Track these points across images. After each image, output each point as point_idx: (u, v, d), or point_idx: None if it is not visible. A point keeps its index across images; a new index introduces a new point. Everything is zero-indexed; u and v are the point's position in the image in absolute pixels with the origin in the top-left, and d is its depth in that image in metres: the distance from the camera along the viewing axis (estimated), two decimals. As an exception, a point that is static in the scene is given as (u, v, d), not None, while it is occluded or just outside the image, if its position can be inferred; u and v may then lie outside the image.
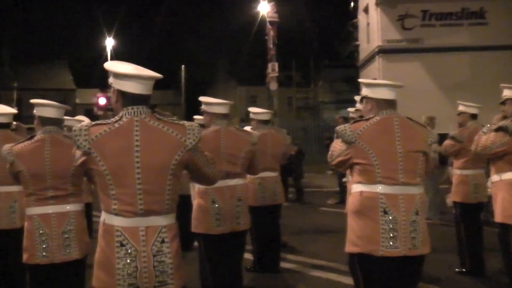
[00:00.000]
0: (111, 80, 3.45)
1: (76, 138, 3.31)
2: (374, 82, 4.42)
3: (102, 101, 30.95)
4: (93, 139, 3.29)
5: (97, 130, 3.33)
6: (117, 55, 42.63)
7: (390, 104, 4.24)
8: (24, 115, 14.50)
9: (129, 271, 3.27)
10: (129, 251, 3.27)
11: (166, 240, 3.36)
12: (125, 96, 3.40)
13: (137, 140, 3.31)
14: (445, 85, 23.13)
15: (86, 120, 9.98)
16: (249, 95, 58.91)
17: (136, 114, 3.36)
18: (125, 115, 3.37)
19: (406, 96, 11.17)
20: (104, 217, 3.36)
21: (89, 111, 42.93)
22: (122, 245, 3.28)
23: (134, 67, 3.47)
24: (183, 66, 42.92)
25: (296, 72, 51.19)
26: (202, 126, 6.30)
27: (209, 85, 67.72)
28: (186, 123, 3.51)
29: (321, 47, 69.63)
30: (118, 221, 3.30)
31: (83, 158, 3.35)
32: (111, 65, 3.45)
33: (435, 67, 23.95)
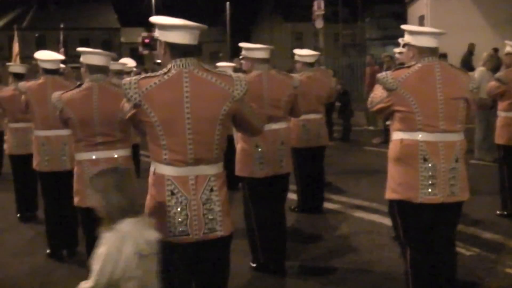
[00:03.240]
0: (157, 33, 3.50)
1: (126, 92, 3.37)
2: (417, 30, 4.37)
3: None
4: (143, 92, 3.36)
5: (147, 82, 3.39)
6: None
7: (432, 51, 4.20)
8: (70, 54, 14.68)
9: (180, 219, 3.39)
10: (180, 199, 3.39)
11: (214, 188, 3.46)
12: (172, 48, 3.44)
13: (186, 92, 3.38)
14: (495, 21, 22.34)
15: (130, 63, 10.14)
16: (295, 32, 58.27)
17: (184, 66, 3.42)
18: (174, 67, 3.42)
19: (454, 33, 10.87)
20: (155, 167, 3.47)
21: (134, 50, 43.12)
22: (172, 193, 3.40)
23: (178, 19, 3.51)
24: (227, 3, 42.45)
25: (342, 8, 50.13)
26: (242, 71, 6.34)
27: (255, 22, 67.13)
28: (233, 74, 3.56)
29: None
30: (168, 171, 3.40)
31: (133, 111, 3.42)
32: (156, 19, 3.51)
33: (486, 2, 23.12)
